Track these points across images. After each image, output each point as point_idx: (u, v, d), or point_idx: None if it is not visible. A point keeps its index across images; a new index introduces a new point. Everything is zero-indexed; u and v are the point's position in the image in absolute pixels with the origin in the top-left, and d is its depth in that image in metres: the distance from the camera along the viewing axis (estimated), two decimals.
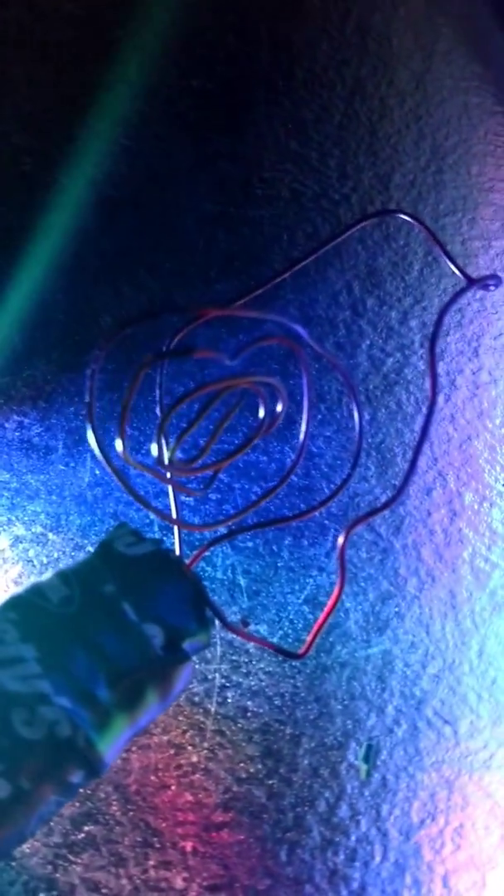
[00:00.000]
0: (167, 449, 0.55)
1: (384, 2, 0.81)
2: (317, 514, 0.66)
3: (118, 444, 0.52)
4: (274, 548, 0.66)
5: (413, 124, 0.79)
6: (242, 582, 0.65)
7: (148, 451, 0.66)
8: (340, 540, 0.58)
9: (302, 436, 0.61)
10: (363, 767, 0.61)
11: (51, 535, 0.65)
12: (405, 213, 0.71)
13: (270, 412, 0.57)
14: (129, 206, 0.74)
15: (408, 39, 0.81)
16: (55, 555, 0.64)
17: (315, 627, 0.54)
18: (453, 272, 0.72)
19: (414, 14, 0.81)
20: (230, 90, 0.77)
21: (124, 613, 0.50)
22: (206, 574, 0.64)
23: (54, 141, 0.74)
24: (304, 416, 0.61)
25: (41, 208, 0.73)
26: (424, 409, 0.69)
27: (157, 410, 0.64)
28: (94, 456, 0.67)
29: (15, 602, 0.50)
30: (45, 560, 0.64)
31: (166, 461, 0.54)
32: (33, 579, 0.62)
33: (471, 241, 0.75)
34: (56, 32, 0.76)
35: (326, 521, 0.66)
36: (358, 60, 0.80)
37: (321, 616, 0.55)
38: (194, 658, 0.53)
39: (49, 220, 0.73)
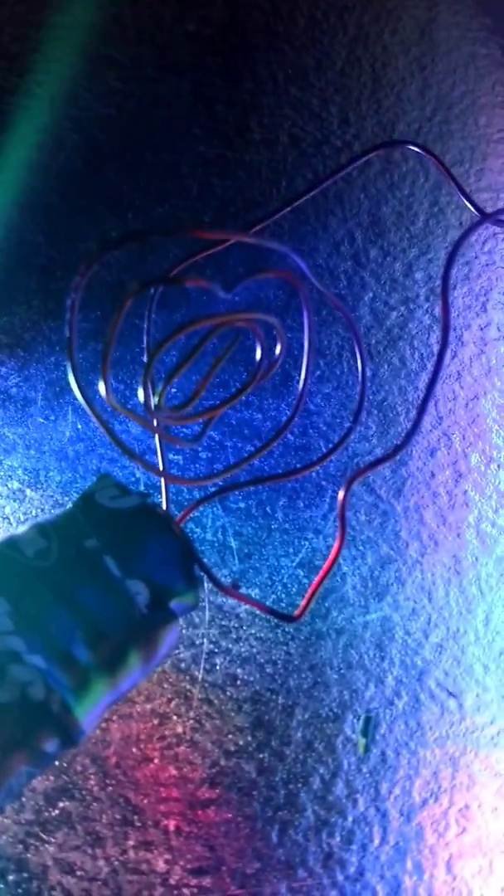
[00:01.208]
0: (155, 393, 0.51)
1: None
2: (313, 474, 0.63)
3: (101, 386, 0.49)
4: (267, 509, 0.63)
5: (418, 73, 0.77)
6: (234, 544, 0.62)
7: (135, 404, 0.63)
8: (340, 494, 0.55)
9: (300, 387, 0.58)
10: (361, 742, 0.59)
11: (28, 492, 0.62)
12: (416, 145, 0.68)
13: (267, 357, 0.54)
14: (119, 149, 0.71)
15: None
16: (33, 511, 0.62)
17: (312, 587, 0.52)
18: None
19: None
20: (227, 34, 0.75)
21: (107, 569, 0.47)
22: (196, 535, 0.62)
23: (38, 79, 0.71)
24: (304, 364, 0.57)
25: (22, 148, 0.70)
26: (430, 364, 0.66)
27: (144, 357, 0.61)
28: (75, 409, 0.65)
29: None
30: (21, 517, 0.61)
31: (154, 406, 0.51)
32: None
33: (478, 193, 0.73)
34: None
35: (324, 482, 0.63)
36: (361, 7, 0.78)
37: (318, 575, 0.53)
38: (181, 620, 0.51)
39: (31, 161, 0.70)
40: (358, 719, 0.59)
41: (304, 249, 0.69)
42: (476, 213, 0.67)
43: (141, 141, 0.72)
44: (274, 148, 0.72)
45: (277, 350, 0.52)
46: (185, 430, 0.62)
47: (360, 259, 0.70)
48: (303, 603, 0.52)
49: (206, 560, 0.60)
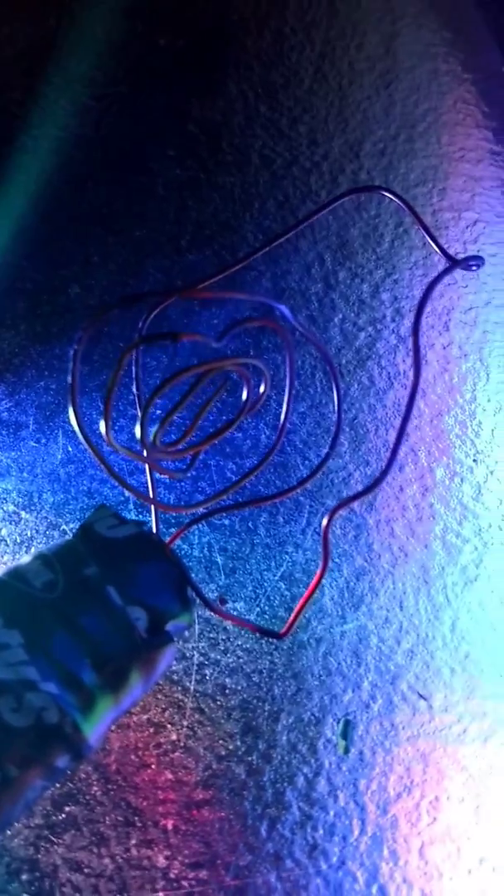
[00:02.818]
0: (149, 432, 0.54)
1: None
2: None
3: (102, 428, 0.52)
4: (250, 525, 0.65)
5: (383, 90, 0.78)
6: (219, 559, 0.64)
7: (120, 429, 0.65)
8: (324, 522, 0.58)
9: (283, 418, 0.61)
10: (341, 743, 0.62)
11: (23, 514, 0.64)
12: (390, 193, 0.70)
13: (253, 394, 0.57)
14: (97, 171, 0.72)
15: (377, 2, 0.80)
16: (28, 533, 0.64)
17: (297, 609, 0.54)
18: (424, 244, 0.72)
19: None
20: (198, 51, 0.76)
21: (108, 597, 0.50)
22: (183, 552, 0.64)
23: (16, 101, 0.73)
24: (286, 398, 0.60)
25: (4, 173, 0.71)
26: (402, 387, 0.69)
27: (134, 388, 0.63)
28: (66, 432, 0.66)
29: None
30: (18, 539, 0.63)
31: (150, 444, 0.54)
32: (7, 559, 0.62)
33: (441, 213, 0.75)
34: None
35: (302, 499, 0.66)
36: (327, 22, 0.78)
37: (302, 598, 0.55)
38: (176, 639, 0.53)
39: (13, 185, 0.71)
40: (338, 722, 0.62)
41: (276, 272, 0.71)
42: (446, 260, 0.69)
43: (118, 162, 0.73)
44: (246, 169, 0.73)
45: (262, 388, 0.56)
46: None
47: (330, 281, 0.72)
48: (288, 622, 0.55)
49: (194, 575, 0.62)
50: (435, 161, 0.77)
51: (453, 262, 0.66)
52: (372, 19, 0.79)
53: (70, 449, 0.66)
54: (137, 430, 0.53)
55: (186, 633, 0.62)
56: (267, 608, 0.63)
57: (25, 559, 0.51)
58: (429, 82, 0.79)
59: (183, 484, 0.65)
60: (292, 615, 0.54)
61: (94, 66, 0.74)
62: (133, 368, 0.62)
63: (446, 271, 0.67)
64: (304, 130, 0.75)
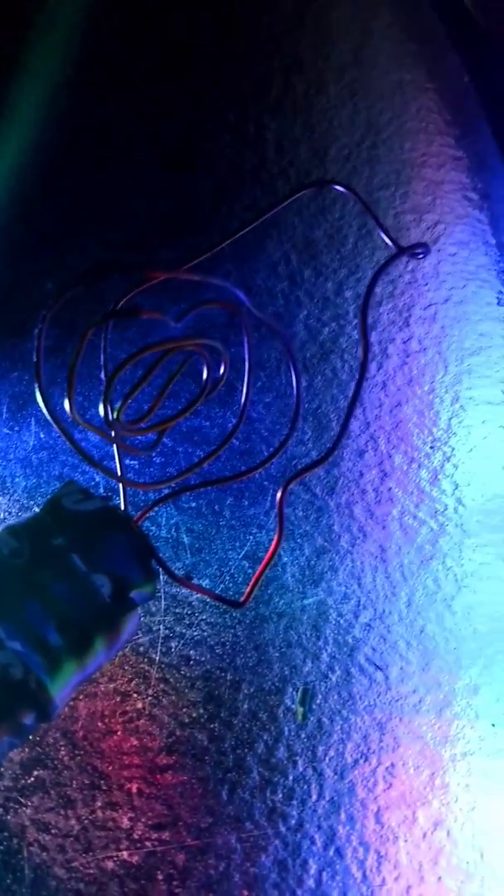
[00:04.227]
0: (114, 410, 0.57)
1: None
2: (256, 475, 0.68)
3: (66, 404, 0.54)
4: (216, 507, 0.68)
5: (349, 99, 0.80)
6: (186, 540, 0.67)
7: (92, 416, 0.67)
8: (279, 495, 0.61)
9: (243, 398, 0.64)
10: (300, 711, 0.64)
11: None
12: (339, 184, 0.73)
13: (213, 375, 0.60)
14: (71, 173, 0.74)
15: (345, 13, 0.82)
16: (1, 515, 0.66)
17: (254, 577, 0.57)
18: (386, 245, 0.74)
19: None
20: (168, 57, 0.78)
21: (73, 565, 0.52)
22: (152, 533, 0.67)
23: None
24: (245, 378, 0.63)
25: None
26: (356, 375, 0.72)
27: (102, 375, 0.65)
28: (38, 420, 0.69)
29: None
30: None
31: (113, 420, 0.56)
32: None
33: (403, 215, 0.77)
34: None
35: (266, 482, 0.69)
36: (296, 34, 0.81)
37: (260, 566, 0.58)
38: (140, 608, 0.55)
39: None
40: (297, 691, 0.64)
41: (244, 270, 0.74)
42: (393, 246, 0.72)
43: (90, 166, 0.75)
44: (215, 173, 0.76)
45: (221, 370, 0.58)
46: (140, 439, 0.67)
47: (296, 279, 0.74)
48: (247, 590, 0.56)
49: (161, 554, 0.63)
50: (398, 166, 0.79)
51: (400, 249, 0.69)
52: (339, 32, 0.81)
53: (42, 436, 0.68)
54: (101, 408, 0.55)
55: (153, 608, 0.64)
56: (231, 585, 0.66)
57: None
58: (393, 91, 0.81)
59: (152, 470, 0.68)
60: (250, 584, 0.56)
61: (65, 69, 0.75)
62: (102, 356, 0.65)
63: (393, 258, 0.70)
64: (271, 137, 0.78)
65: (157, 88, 0.77)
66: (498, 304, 0.77)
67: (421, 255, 0.73)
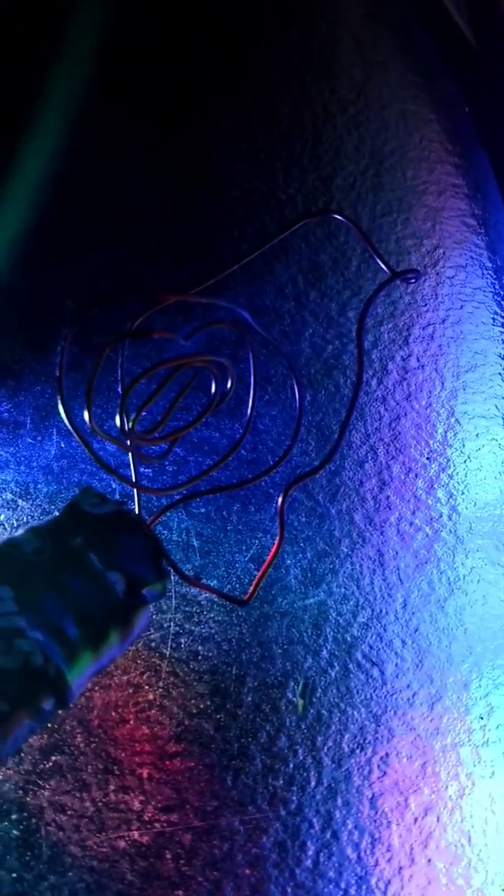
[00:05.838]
0: (129, 421, 0.61)
1: (325, 13, 0.85)
2: (262, 483, 0.71)
3: (86, 416, 0.58)
4: (224, 513, 0.71)
5: (354, 130, 0.83)
6: (195, 543, 0.70)
7: (110, 427, 0.70)
8: (279, 500, 0.64)
9: (249, 410, 0.67)
10: (300, 703, 0.66)
11: (20, 502, 0.69)
12: (340, 215, 0.77)
13: (221, 389, 0.64)
14: (87, 196, 0.77)
15: (349, 50, 0.85)
16: (25, 519, 0.69)
17: (258, 575, 0.60)
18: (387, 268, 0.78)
19: (354, 25, 0.85)
20: (184, 90, 0.80)
21: (91, 563, 0.55)
22: (164, 536, 0.69)
23: (5, 128, 0.76)
24: (251, 393, 0.67)
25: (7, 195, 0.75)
26: (363, 393, 0.75)
27: (118, 389, 0.69)
28: (59, 431, 0.71)
29: None
30: (15, 523, 0.69)
31: (128, 430, 0.60)
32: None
33: (404, 240, 0.81)
34: None
35: (270, 490, 0.72)
36: (303, 68, 0.83)
37: (263, 565, 0.61)
38: (152, 607, 0.59)
39: (5, 212, 0.75)
40: (298, 685, 0.67)
41: (253, 291, 0.76)
42: (387, 270, 0.74)
43: (105, 192, 0.77)
44: (225, 200, 0.78)
45: (229, 384, 0.62)
46: (154, 448, 0.69)
47: (302, 300, 0.77)
48: (251, 589, 0.60)
49: (172, 556, 0.66)
50: (400, 193, 0.82)
51: (393, 274, 0.72)
52: (344, 65, 0.84)
53: (63, 445, 0.71)
54: (117, 419, 0.59)
55: (164, 606, 0.67)
56: (238, 586, 0.69)
57: (20, 532, 0.57)
58: (396, 122, 0.84)
59: (164, 478, 0.71)
60: (254, 582, 0.60)
61: (83, 98, 0.76)
62: (118, 371, 0.69)
63: (386, 282, 0.73)
64: (280, 166, 0.80)
65: (175, 119, 0.79)
66: (493, 323, 0.80)
67: (412, 280, 0.76)
